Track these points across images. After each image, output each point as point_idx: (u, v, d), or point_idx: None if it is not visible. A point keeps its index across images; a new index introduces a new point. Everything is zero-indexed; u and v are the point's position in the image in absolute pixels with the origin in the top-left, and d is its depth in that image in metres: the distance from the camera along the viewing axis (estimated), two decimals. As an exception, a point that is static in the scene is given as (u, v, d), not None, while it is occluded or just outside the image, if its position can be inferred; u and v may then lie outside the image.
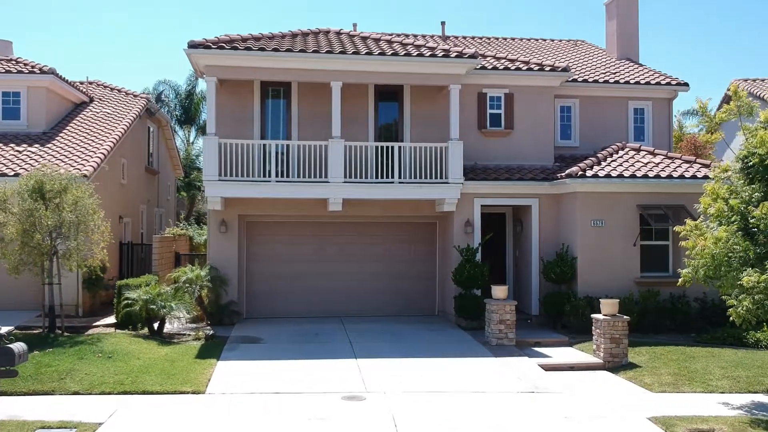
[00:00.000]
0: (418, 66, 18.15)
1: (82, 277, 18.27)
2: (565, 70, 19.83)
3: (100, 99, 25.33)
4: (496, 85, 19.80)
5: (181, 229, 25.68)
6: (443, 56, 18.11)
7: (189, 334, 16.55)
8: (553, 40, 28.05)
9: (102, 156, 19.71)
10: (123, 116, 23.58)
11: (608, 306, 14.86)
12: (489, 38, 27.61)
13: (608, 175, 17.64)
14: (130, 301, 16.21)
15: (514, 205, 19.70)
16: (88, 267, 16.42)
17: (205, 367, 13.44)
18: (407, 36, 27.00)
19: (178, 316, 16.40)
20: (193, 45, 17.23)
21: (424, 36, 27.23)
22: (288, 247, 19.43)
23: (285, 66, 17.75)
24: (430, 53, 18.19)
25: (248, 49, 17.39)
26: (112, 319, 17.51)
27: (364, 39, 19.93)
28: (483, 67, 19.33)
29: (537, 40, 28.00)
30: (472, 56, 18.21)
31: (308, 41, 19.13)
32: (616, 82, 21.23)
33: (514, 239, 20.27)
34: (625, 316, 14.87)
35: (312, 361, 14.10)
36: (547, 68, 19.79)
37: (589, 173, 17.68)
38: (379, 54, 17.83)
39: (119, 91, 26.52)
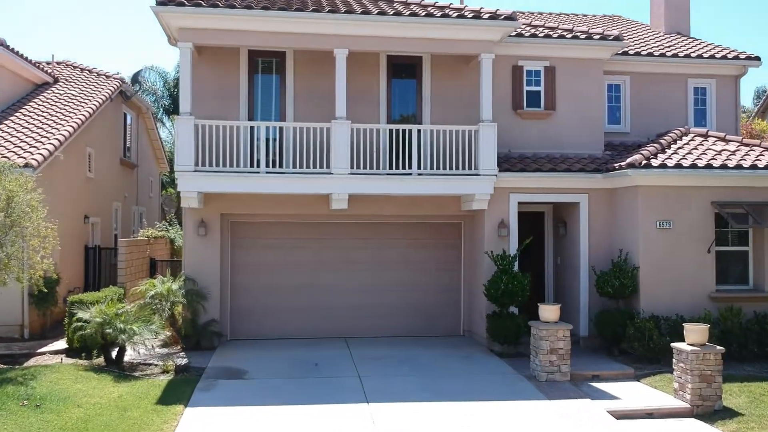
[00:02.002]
0: (443, 30, 14.69)
1: (28, 292, 14.84)
2: (618, 39, 16.37)
3: (66, 80, 21.87)
4: (535, 57, 16.35)
5: (160, 230, 22.22)
6: (474, 17, 14.64)
7: (156, 364, 13.11)
8: (586, 15, 24.59)
9: (56, 143, 16.25)
10: (90, 98, 20.13)
11: (696, 333, 11.43)
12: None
13: (679, 165, 14.19)
14: (81, 324, 12.78)
15: (554, 203, 16.25)
16: (29, 280, 13.01)
17: (167, 418, 10.00)
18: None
19: (143, 341, 12.95)
20: (162, 2, 13.77)
21: (441, 7, 23.85)
22: (281, 253, 15.97)
23: (278, 29, 14.28)
24: (457, 14, 14.73)
25: (232, 6, 13.93)
26: (63, 344, 14.09)
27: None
28: (519, 35, 15.87)
29: (568, 14, 24.53)
30: (510, 17, 14.75)
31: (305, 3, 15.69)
32: (675, 55, 17.75)
33: (555, 243, 16.80)
34: (718, 347, 11.43)
35: (311, 407, 10.65)
36: (596, 36, 16.33)
37: (655, 162, 14.23)
38: (395, 14, 14.37)
39: (90, 71, 23.06)
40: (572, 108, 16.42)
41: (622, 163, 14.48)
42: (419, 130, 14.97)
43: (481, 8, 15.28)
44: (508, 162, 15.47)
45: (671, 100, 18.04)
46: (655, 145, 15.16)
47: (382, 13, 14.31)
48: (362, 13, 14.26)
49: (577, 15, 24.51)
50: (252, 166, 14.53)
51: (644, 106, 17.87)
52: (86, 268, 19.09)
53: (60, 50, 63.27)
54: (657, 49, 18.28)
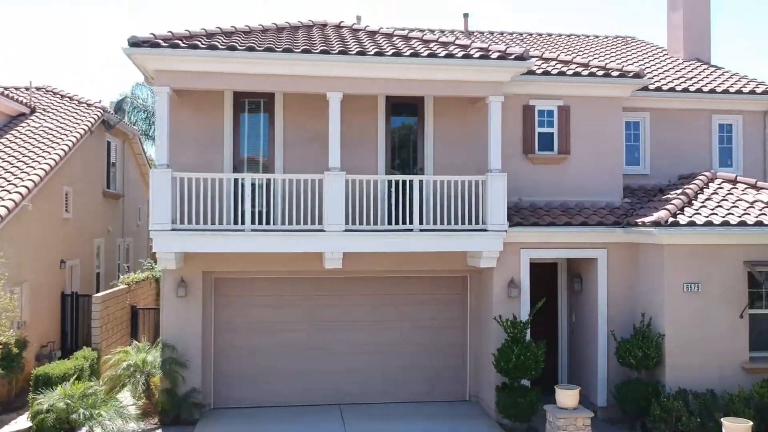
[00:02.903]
0: (447, 71, 13.29)
1: (-11, 357, 13.48)
2: (638, 75, 14.94)
3: (44, 110, 20.49)
4: (548, 96, 14.94)
5: (144, 270, 20.83)
6: (480, 57, 13.23)
7: (128, 448, 11.75)
8: (597, 37, 23.19)
9: (24, 190, 14.89)
10: (67, 132, 18.75)
11: None
12: (521, 34, 22.77)
13: (709, 223, 12.79)
14: (43, 409, 11.40)
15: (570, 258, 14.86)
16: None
17: None
18: (423, 31, 22.25)
19: (112, 428, 11.56)
20: (135, 43, 12.38)
21: (443, 31, 22.46)
22: (270, 311, 14.57)
23: (265, 71, 12.90)
24: (462, 53, 13.32)
25: (213, 47, 12.53)
26: (26, 421, 12.71)
27: (371, 34, 15.10)
28: (530, 72, 14.44)
29: (579, 36, 23.13)
30: (520, 57, 13.34)
31: (298, 37, 14.31)
32: (699, 90, 16.34)
33: (570, 298, 15.41)
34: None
35: None
36: (615, 73, 14.90)
37: (682, 219, 12.82)
38: (394, 54, 12.97)
39: (71, 99, 21.68)
40: (588, 151, 15.02)
41: (645, 220, 13.08)
42: (421, 181, 13.58)
43: (489, 46, 13.87)
44: (518, 213, 14.08)
45: (694, 137, 16.64)
46: (680, 197, 13.73)
47: (379, 53, 12.91)
48: (357, 53, 12.85)
49: (588, 36, 23.13)
50: (237, 222, 13.15)
51: (665, 145, 16.48)
52: (63, 319, 17.72)
53: (49, 64, 61.82)
54: (679, 82, 16.87)
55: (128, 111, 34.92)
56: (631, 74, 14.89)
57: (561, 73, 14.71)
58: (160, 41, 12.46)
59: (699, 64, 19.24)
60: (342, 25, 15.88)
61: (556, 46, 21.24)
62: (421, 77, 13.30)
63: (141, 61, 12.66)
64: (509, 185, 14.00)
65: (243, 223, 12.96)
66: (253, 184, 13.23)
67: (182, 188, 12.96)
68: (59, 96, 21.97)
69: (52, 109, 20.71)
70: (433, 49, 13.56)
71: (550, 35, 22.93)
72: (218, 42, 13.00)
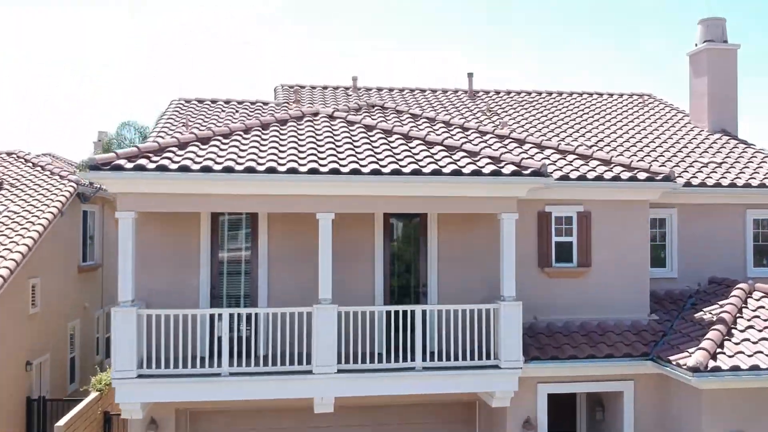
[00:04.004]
0: (453, 188, 11.65)
1: None
2: (668, 178, 13.29)
3: (12, 185, 18.82)
4: (566, 201, 13.30)
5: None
6: (492, 173, 11.57)
7: None
8: (611, 95, 21.56)
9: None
10: (37, 216, 17.07)
11: None
12: (530, 92, 21.21)
13: (755, 367, 11.13)
14: None
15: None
16: None
17: None
18: (425, 91, 20.67)
19: None
20: (94, 166, 10.71)
21: (445, 91, 20.87)
22: (255, 448, 12.94)
23: (245, 192, 11.24)
24: (471, 166, 11.63)
25: (185, 169, 10.86)
26: None
27: (367, 129, 13.45)
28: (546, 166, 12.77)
29: (591, 95, 21.53)
30: (538, 173, 11.68)
31: (285, 137, 12.70)
32: (732, 185, 14.71)
33: (590, 428, 13.76)
34: None
35: None
36: (642, 176, 13.25)
37: (724, 364, 11.15)
38: (393, 172, 11.30)
39: (42, 169, 20.01)
40: (611, 262, 13.38)
41: (681, 361, 11.41)
42: (424, 312, 11.93)
43: (502, 155, 12.21)
44: (535, 339, 12.45)
45: (726, 234, 15.03)
46: (718, 328, 12.02)
47: (376, 172, 11.23)
48: (351, 171, 11.18)
49: (601, 95, 21.54)
50: (213, 363, 11.39)
51: (694, 243, 14.86)
52: (29, 428, 16.06)
53: (49, 64, 59.99)
54: (709, 170, 15.24)
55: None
56: (660, 177, 13.24)
57: (581, 178, 13.06)
58: (123, 162, 10.81)
59: (727, 139, 17.61)
60: (335, 114, 14.23)
61: (566, 108, 19.65)
62: (423, 194, 11.65)
63: (102, 183, 11.00)
64: (524, 302, 12.35)
65: (221, 364, 11.29)
66: (231, 315, 11.59)
67: (151, 327, 11.30)
68: (30, 164, 20.31)
69: (22, 182, 19.05)
70: (435, 156, 11.92)
71: (560, 94, 21.34)
72: (193, 154, 11.38)
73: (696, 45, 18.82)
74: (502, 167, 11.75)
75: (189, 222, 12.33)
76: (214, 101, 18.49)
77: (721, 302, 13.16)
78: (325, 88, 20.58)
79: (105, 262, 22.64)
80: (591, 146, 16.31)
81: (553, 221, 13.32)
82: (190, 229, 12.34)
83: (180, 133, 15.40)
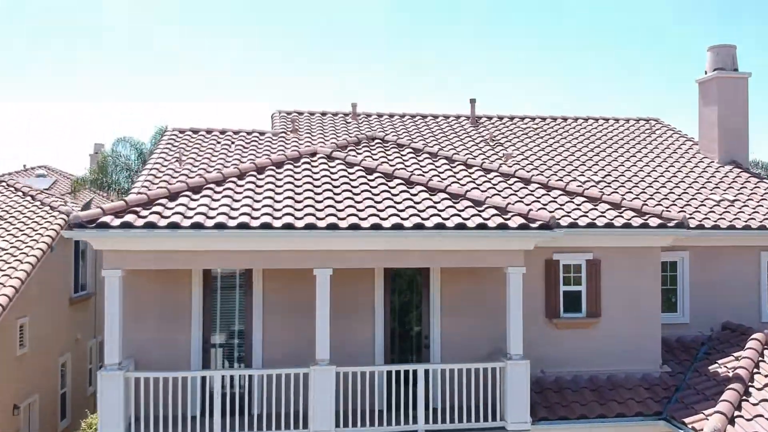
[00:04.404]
0: (457, 242, 11.09)
1: None
2: (681, 225, 12.74)
3: (0, 217, 18.24)
4: (574, 249, 12.75)
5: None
6: (499, 227, 11.01)
7: None
8: (617, 120, 21.01)
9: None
10: (26, 253, 16.49)
11: None
12: (533, 118, 20.65)
13: (777, 433, 10.59)
14: None
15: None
16: None
17: None
18: (425, 117, 20.11)
19: None
20: (78, 224, 10.16)
21: (447, 117, 20.32)
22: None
23: (239, 248, 10.70)
24: (476, 218, 11.08)
25: (175, 226, 10.30)
26: None
27: (368, 172, 12.88)
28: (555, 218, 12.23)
29: (596, 119, 20.98)
30: (546, 226, 11.13)
31: (281, 178, 12.18)
32: (747, 227, 14.17)
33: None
34: None
35: None
36: (654, 222, 12.70)
37: (743, 430, 10.61)
38: (394, 227, 10.74)
39: (33, 198, 19.43)
40: (621, 311, 12.84)
41: (696, 425, 10.86)
42: (427, 371, 11.41)
43: (508, 206, 11.65)
44: (542, 396, 11.90)
45: (740, 277, 14.52)
46: (734, 386, 11.44)
47: (376, 226, 10.68)
48: (350, 227, 10.63)
49: (606, 120, 20.96)
50: (204, 421, 10.89)
51: (706, 287, 14.34)
52: (16, 474, 15.53)
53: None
54: (722, 209, 14.68)
55: (110, 171, 32.64)
56: (673, 224, 12.68)
57: (591, 225, 12.50)
58: (110, 219, 10.25)
59: (738, 172, 17.08)
60: (334, 155, 13.67)
61: (571, 135, 19.11)
62: (426, 248, 11.09)
63: (88, 240, 10.46)
64: (531, 355, 11.85)
65: (212, 424, 10.74)
66: (224, 377, 11.04)
67: (139, 389, 10.74)
68: (20, 194, 19.74)
69: (11, 214, 18.46)
70: (441, 210, 11.36)
71: (565, 120, 20.78)
72: (183, 207, 10.83)
73: (705, 72, 18.27)
74: (509, 219, 11.21)
75: (181, 274, 11.77)
76: (209, 131, 17.92)
77: (736, 354, 12.61)
78: (323, 114, 20.02)
79: (98, 290, 22.05)
80: (599, 181, 15.80)
81: (561, 269, 12.77)
82: (181, 282, 11.78)
83: (173, 170, 14.90)
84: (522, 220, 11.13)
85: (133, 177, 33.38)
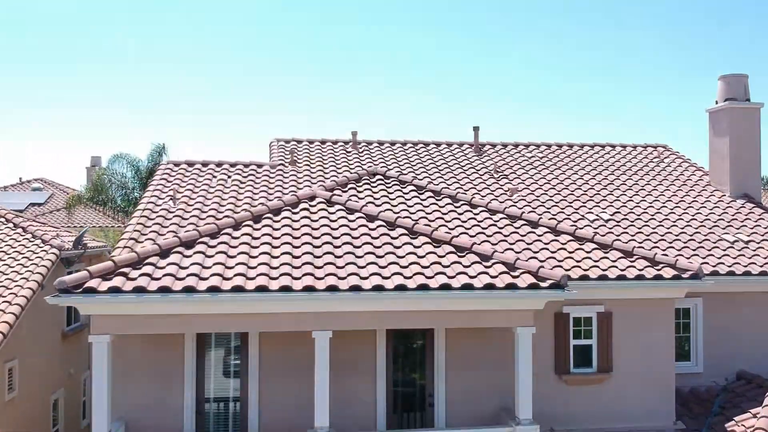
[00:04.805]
0: (463, 303, 10.56)
1: None
2: (696, 276, 12.21)
3: (-10, 252, 17.69)
4: (585, 301, 12.21)
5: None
6: (507, 288, 10.47)
7: None
8: (624, 147, 20.47)
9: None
10: (14, 293, 15.93)
11: None
12: (538, 146, 20.11)
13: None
14: None
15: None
16: None
17: None
18: (428, 146, 19.57)
19: None
20: (63, 290, 9.64)
21: (450, 145, 19.79)
22: None
23: (233, 311, 10.15)
24: (484, 276, 10.54)
25: (165, 290, 9.77)
26: None
27: (370, 219, 12.32)
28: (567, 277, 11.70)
29: (603, 147, 20.43)
30: (557, 285, 10.59)
31: (278, 228, 11.67)
32: (763, 273, 13.63)
33: None
34: None
35: None
36: (668, 274, 12.16)
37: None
38: (398, 288, 10.21)
39: (24, 230, 18.86)
40: (634, 365, 12.32)
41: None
42: (431, 437, 10.88)
43: (516, 261, 11.09)
44: (551, 459, 11.37)
45: (755, 324, 14.02)
46: (756, 450, 11.00)
47: (378, 288, 10.14)
48: (351, 289, 10.10)
49: (613, 147, 20.44)
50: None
51: (720, 334, 13.84)
52: None
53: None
54: (737, 258, 14.12)
55: (106, 188, 32.10)
56: (688, 275, 12.15)
57: (602, 277, 11.98)
58: (97, 283, 9.73)
59: (751, 207, 16.56)
60: (333, 199, 13.12)
61: (580, 167, 18.57)
62: (431, 308, 10.56)
63: (74, 305, 9.92)
64: (540, 412, 11.44)
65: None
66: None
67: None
68: (11, 225, 19.17)
69: (1, 248, 17.90)
70: (446, 267, 10.81)
71: (570, 147, 20.24)
72: (175, 266, 10.29)
73: (716, 102, 17.74)
74: (518, 277, 10.66)
75: (173, 338, 11.22)
76: (205, 164, 17.37)
77: (753, 410, 12.09)
78: (323, 143, 19.47)
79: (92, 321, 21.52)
80: (608, 219, 15.30)
81: (571, 323, 12.25)
82: (174, 343, 11.26)
83: (167, 210, 14.38)
84: (532, 279, 10.59)
85: (129, 195, 32.90)
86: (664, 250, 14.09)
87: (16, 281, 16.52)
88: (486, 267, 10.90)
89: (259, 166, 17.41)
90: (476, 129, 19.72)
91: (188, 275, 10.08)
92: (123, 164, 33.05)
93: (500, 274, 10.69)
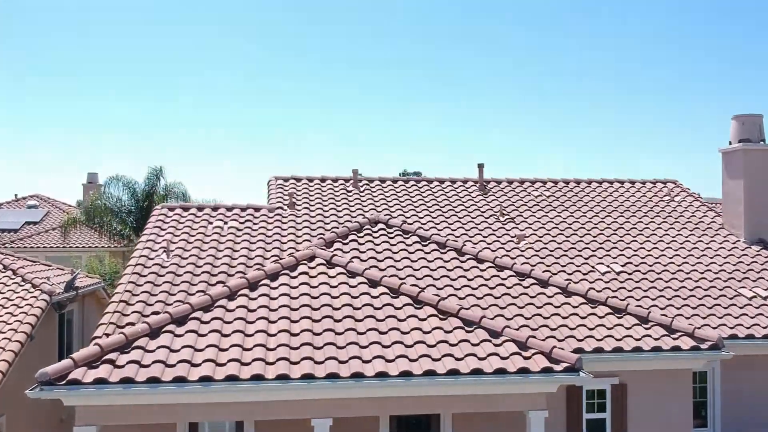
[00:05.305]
0: (472, 387, 9.95)
1: None
2: (716, 347, 11.59)
3: (-22, 298, 17.07)
4: (599, 373, 11.54)
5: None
6: (519, 372, 9.85)
7: None
8: (633, 184, 19.87)
9: None
10: (3, 347, 15.34)
11: None
12: (545, 182, 19.52)
13: None
14: None
15: None
16: None
17: None
18: (431, 183, 18.97)
19: None
20: (46, 382, 9.02)
21: (453, 182, 19.17)
22: None
23: (227, 400, 9.54)
24: (494, 357, 9.93)
25: (155, 381, 9.15)
26: None
27: (372, 284, 11.70)
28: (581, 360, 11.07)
29: (612, 183, 19.84)
30: (572, 368, 9.96)
31: (275, 297, 11.09)
32: (783, 335, 13.05)
33: None
34: None
35: None
36: (686, 345, 11.55)
37: None
38: (402, 374, 9.60)
39: (14, 273, 18.23)
40: (651, 438, 11.72)
41: None
42: None
43: (528, 339, 10.46)
44: None
45: (773, 385, 13.37)
46: None
47: (382, 374, 9.54)
48: (352, 376, 9.49)
49: (622, 183, 19.86)
50: None
51: (738, 398, 13.27)
52: None
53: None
54: (755, 318, 13.52)
55: (101, 213, 31.48)
56: (707, 346, 11.54)
57: (617, 350, 11.38)
58: (81, 374, 9.11)
59: (762, 246, 15.97)
60: (334, 261, 12.49)
61: (587, 207, 18.00)
62: (437, 394, 9.95)
63: (58, 397, 9.30)
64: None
65: None
66: None
67: None
68: (2, 266, 18.55)
69: (-10, 294, 17.29)
70: (453, 345, 10.20)
71: (578, 183, 19.65)
72: (166, 350, 9.68)
73: (730, 143, 17.15)
74: (530, 358, 10.05)
75: (164, 423, 10.60)
76: (200, 208, 16.81)
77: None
78: (323, 180, 18.86)
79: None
80: (620, 271, 14.73)
81: (584, 396, 11.65)
82: (165, 428, 10.63)
83: (160, 265, 13.80)
84: (545, 361, 9.97)
85: (125, 219, 32.24)
86: (679, 308, 13.53)
87: (4, 333, 15.88)
88: (496, 346, 10.28)
89: (257, 209, 16.82)
90: (481, 166, 19.15)
91: (179, 362, 9.47)
92: (119, 187, 32.41)
93: (511, 355, 10.07)
